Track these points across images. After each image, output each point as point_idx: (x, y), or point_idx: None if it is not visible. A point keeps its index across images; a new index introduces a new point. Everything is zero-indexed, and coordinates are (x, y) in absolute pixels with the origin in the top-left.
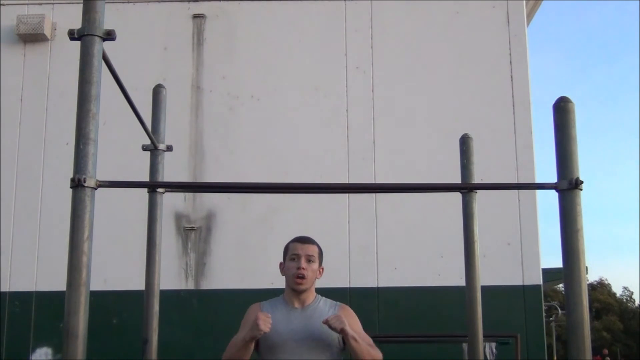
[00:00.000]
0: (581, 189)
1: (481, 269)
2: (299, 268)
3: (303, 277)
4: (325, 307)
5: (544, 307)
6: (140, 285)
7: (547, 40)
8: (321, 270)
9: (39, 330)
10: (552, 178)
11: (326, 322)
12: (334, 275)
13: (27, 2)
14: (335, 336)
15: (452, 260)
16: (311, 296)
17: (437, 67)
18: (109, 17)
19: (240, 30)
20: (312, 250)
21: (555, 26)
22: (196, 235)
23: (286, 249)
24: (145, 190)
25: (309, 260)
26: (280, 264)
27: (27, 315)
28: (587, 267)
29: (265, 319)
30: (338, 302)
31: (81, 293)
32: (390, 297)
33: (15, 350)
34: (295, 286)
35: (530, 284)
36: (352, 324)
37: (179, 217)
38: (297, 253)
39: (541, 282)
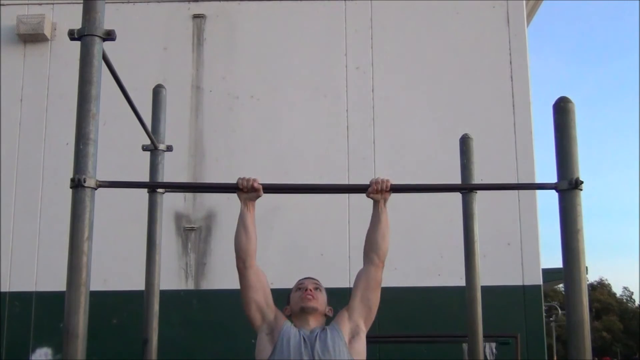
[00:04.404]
0: (581, 189)
1: (481, 269)
2: (306, 290)
3: (312, 296)
4: (331, 330)
5: (544, 307)
6: (140, 285)
7: (547, 40)
8: (328, 311)
9: (39, 330)
10: (552, 178)
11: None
12: (334, 275)
13: (27, 2)
14: (346, 355)
15: (452, 260)
16: (321, 323)
17: (437, 67)
18: (109, 17)
19: (240, 30)
20: (318, 282)
21: (555, 26)
22: (196, 235)
23: (290, 291)
24: (145, 190)
25: (316, 287)
26: (285, 308)
27: (27, 315)
28: (587, 267)
29: (255, 180)
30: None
31: (81, 293)
32: (390, 297)
33: (15, 350)
34: (304, 303)
35: (530, 284)
36: (347, 307)
37: (179, 217)
38: (303, 283)
39: (541, 282)
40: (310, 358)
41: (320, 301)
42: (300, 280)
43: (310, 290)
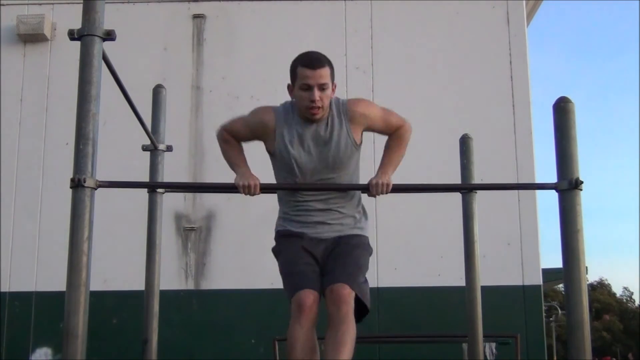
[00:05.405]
0: (581, 189)
1: (481, 269)
2: (312, 100)
3: (318, 108)
4: (337, 113)
5: (544, 307)
6: (140, 285)
7: (547, 40)
8: (334, 88)
9: (39, 330)
10: (552, 178)
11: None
12: None
13: (27, 2)
14: (349, 141)
15: (452, 261)
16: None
17: (437, 67)
18: (109, 17)
19: (241, 30)
20: (325, 75)
21: (555, 26)
22: (196, 235)
23: (295, 73)
24: (145, 190)
25: (322, 88)
26: (289, 85)
27: (27, 315)
28: (587, 267)
29: (256, 186)
30: (345, 100)
31: (81, 293)
32: (390, 297)
33: (15, 350)
34: (310, 116)
35: (530, 284)
36: (370, 113)
37: (179, 217)
38: (309, 83)
39: (541, 282)
40: (314, 142)
41: (326, 104)
42: (304, 70)
43: (317, 101)
